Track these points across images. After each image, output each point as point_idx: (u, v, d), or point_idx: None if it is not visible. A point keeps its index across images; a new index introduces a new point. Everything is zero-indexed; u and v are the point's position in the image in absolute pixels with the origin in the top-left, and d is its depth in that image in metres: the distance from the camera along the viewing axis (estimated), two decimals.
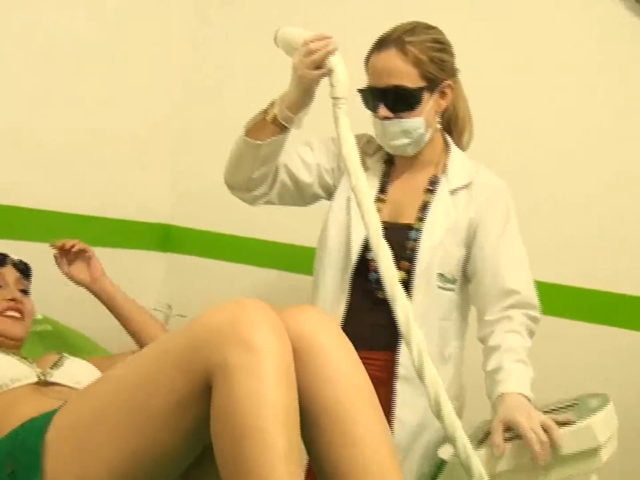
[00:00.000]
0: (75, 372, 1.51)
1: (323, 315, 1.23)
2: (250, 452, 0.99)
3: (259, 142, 1.55)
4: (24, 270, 1.67)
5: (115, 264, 2.46)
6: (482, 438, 1.45)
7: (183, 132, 2.70)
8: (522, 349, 1.48)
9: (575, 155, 2.15)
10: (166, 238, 2.73)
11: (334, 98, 1.42)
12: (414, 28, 1.56)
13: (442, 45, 1.59)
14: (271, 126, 1.55)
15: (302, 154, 1.69)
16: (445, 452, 1.43)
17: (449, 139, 1.69)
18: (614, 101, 2.12)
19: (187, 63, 2.70)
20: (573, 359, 2.07)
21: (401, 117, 1.56)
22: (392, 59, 1.53)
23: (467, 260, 1.62)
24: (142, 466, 1.10)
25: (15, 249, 1.96)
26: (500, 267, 1.56)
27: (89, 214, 2.40)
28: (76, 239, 1.80)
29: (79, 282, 1.76)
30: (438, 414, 1.24)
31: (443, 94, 1.60)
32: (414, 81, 1.54)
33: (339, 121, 1.41)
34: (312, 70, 1.46)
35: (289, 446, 1.00)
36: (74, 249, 1.75)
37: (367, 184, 1.35)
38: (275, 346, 1.06)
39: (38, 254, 2.00)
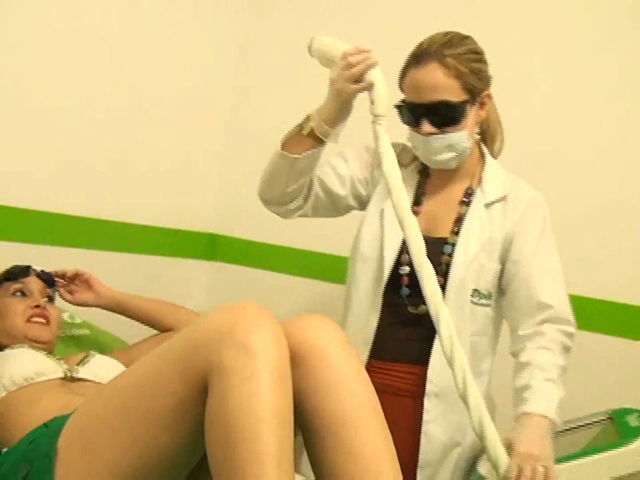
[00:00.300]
0: (101, 369, 1.56)
1: (326, 322, 1.23)
2: (240, 456, 0.99)
3: (295, 155, 1.55)
4: (47, 279, 1.72)
5: (162, 272, 2.54)
6: None
7: (230, 145, 2.74)
8: (552, 366, 1.44)
9: (605, 161, 2.10)
10: (212, 247, 2.77)
11: (375, 115, 1.43)
12: (451, 39, 1.53)
13: (479, 55, 1.56)
14: (308, 140, 1.54)
15: (335, 165, 1.68)
16: (491, 473, 1.41)
17: (484, 149, 1.67)
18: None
19: (238, 81, 2.74)
20: (600, 373, 2.02)
21: (446, 132, 1.52)
22: (434, 73, 1.50)
23: (502, 274, 1.59)
24: (147, 468, 1.11)
25: (69, 256, 2.08)
26: (534, 281, 1.53)
27: (138, 222, 2.46)
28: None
29: (85, 304, 1.81)
30: (481, 437, 1.24)
31: (482, 105, 1.58)
32: (457, 95, 1.50)
33: (380, 138, 1.42)
34: (351, 84, 1.45)
35: (281, 451, 1.01)
36: (68, 275, 1.80)
37: (408, 201, 1.36)
38: (271, 350, 1.06)
39: (89, 261, 2.08)
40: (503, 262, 1.58)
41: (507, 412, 1.46)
